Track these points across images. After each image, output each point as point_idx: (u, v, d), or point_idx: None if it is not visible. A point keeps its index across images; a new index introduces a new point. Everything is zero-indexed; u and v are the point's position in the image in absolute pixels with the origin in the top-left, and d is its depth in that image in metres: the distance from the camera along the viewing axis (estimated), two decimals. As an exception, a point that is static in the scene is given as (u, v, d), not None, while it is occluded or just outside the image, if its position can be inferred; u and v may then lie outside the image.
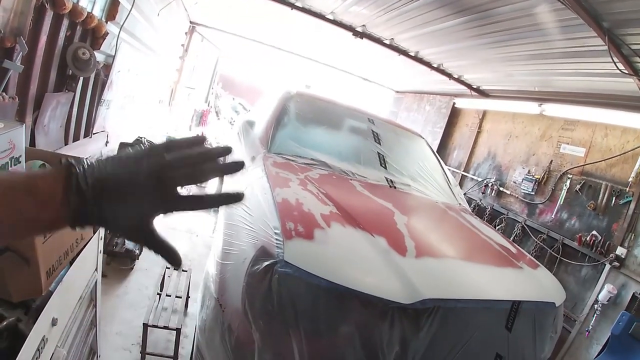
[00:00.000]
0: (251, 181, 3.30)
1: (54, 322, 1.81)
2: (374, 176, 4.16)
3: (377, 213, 3.19)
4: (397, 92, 12.29)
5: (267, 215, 2.55)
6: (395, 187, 4.15)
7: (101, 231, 2.64)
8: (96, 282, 2.68)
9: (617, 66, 4.22)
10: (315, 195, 2.98)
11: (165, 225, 6.82)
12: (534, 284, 3.07)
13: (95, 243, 2.52)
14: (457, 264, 2.80)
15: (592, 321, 5.17)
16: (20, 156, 2.00)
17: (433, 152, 5.53)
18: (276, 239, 2.29)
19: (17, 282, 1.80)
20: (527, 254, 3.78)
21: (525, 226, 6.68)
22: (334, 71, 11.79)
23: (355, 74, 11.57)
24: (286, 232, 2.31)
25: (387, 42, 6.66)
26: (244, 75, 19.89)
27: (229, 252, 2.70)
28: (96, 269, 2.66)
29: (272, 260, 2.18)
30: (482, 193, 7.87)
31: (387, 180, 4.19)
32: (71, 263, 2.15)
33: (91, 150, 4.82)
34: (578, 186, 5.97)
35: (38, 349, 1.64)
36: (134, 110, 6.42)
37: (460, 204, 4.69)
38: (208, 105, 14.34)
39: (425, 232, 3.28)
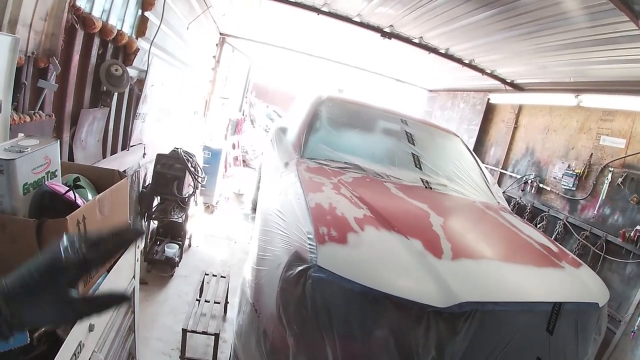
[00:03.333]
0: (285, 187, 3.32)
1: (90, 328, 1.87)
2: (409, 177, 4.14)
3: (412, 215, 3.16)
4: (430, 91, 12.18)
5: (301, 221, 2.56)
6: (431, 188, 4.12)
7: (138, 239, 2.69)
8: (134, 289, 2.73)
9: (652, 50, 4.10)
10: (348, 199, 2.98)
11: (205, 232, 6.96)
12: (576, 284, 2.98)
13: (132, 251, 2.58)
14: (496, 265, 2.74)
15: (638, 321, 4.98)
16: (56, 170, 2.07)
17: (469, 150, 5.46)
18: (309, 244, 2.30)
19: (55, 290, 1.84)
20: (569, 252, 3.68)
21: (567, 223, 6.50)
22: (366, 74, 11.74)
23: (387, 75, 11.50)
24: (319, 236, 2.32)
25: (416, 40, 6.59)
26: (277, 83, 20.07)
27: (263, 258, 2.72)
28: (134, 276, 2.71)
29: (305, 265, 2.20)
30: (522, 190, 7.71)
31: (422, 181, 4.16)
32: (109, 271, 2.19)
33: (129, 162, 4.94)
34: (620, 179, 5.77)
35: (75, 354, 1.69)
36: (170, 122, 6.53)
37: (499, 202, 4.61)
38: (243, 114, 14.47)
39: (462, 233, 3.23)
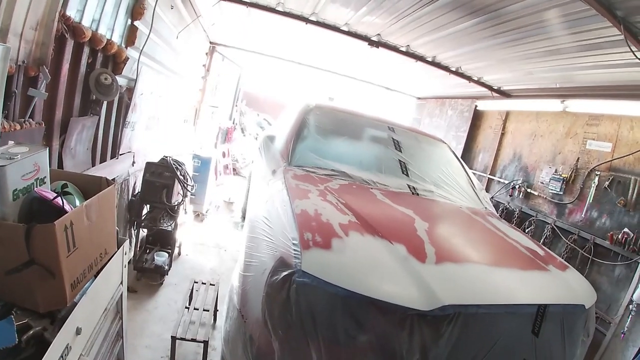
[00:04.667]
0: (272, 194, 3.35)
1: (78, 332, 1.91)
2: (396, 184, 4.18)
3: (397, 221, 3.20)
4: (419, 98, 12.23)
5: (286, 227, 2.59)
6: (417, 194, 4.15)
7: (125, 246, 2.73)
8: (121, 295, 2.76)
9: (635, 55, 4.11)
10: (334, 205, 3.00)
11: (195, 240, 6.96)
12: (562, 286, 3.02)
13: (119, 257, 2.61)
14: (480, 269, 2.78)
15: (628, 322, 5.01)
16: (45, 177, 2.13)
17: (456, 156, 5.51)
18: (294, 250, 2.32)
19: (43, 294, 1.91)
20: (556, 256, 3.72)
21: (555, 227, 6.54)
22: (356, 82, 11.77)
23: (376, 83, 11.54)
24: (304, 242, 2.34)
25: (404, 49, 6.64)
26: (268, 91, 20.05)
27: (250, 264, 2.75)
28: (121, 282, 2.74)
29: (290, 271, 2.22)
30: (510, 196, 7.75)
31: (409, 188, 4.20)
32: (96, 276, 2.22)
33: (118, 170, 4.93)
34: (607, 183, 5.81)
35: (62, 356, 1.72)
36: (160, 131, 6.53)
37: (486, 208, 4.66)
38: (233, 123, 14.46)
39: (447, 237, 3.27)
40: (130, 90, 4.84)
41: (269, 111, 18.97)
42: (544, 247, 3.86)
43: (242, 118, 17.15)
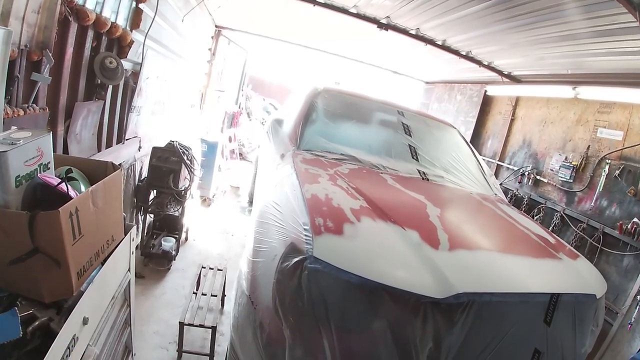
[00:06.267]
0: (281, 178, 3.31)
1: (85, 321, 1.87)
2: (406, 169, 4.13)
3: (408, 206, 3.16)
4: (427, 83, 12.14)
5: (297, 212, 2.55)
6: (427, 179, 4.11)
7: (133, 232, 2.69)
8: (129, 282, 2.73)
9: (649, 42, 4.08)
10: (345, 190, 2.96)
11: (202, 225, 6.95)
12: (573, 275, 2.98)
13: (126, 244, 2.57)
14: (493, 256, 2.74)
15: (635, 313, 4.98)
16: (49, 162, 2.06)
17: (466, 142, 5.46)
18: (305, 235, 2.28)
19: (48, 283, 1.86)
20: (566, 244, 3.68)
21: (564, 215, 6.50)
22: (363, 66, 11.71)
23: (383, 67, 11.46)
24: (315, 227, 2.30)
25: (413, 32, 6.54)
26: (274, 75, 20.00)
27: (259, 250, 2.71)
28: (129, 270, 2.71)
29: (301, 257, 2.18)
30: (519, 182, 7.70)
31: (419, 173, 4.15)
32: (103, 264, 2.18)
33: (124, 155, 4.90)
34: (617, 171, 5.75)
35: (68, 347, 1.69)
36: (166, 116, 6.49)
37: (496, 194, 4.62)
38: (239, 107, 14.41)
39: (459, 224, 3.22)
40: (136, 75, 4.79)
41: (275, 96, 18.94)
42: (554, 235, 3.82)
43: (248, 103, 17.11)
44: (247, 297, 2.79)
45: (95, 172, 2.41)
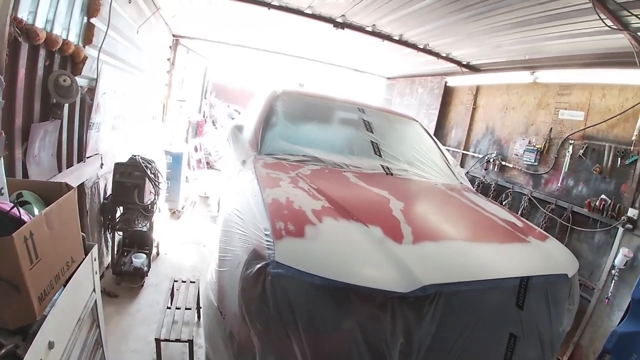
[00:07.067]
0: (242, 185, 3.29)
1: (50, 345, 1.85)
2: (369, 165, 4.15)
3: (371, 202, 3.17)
4: (389, 78, 12.23)
5: (258, 218, 2.53)
6: (391, 174, 4.13)
7: (94, 252, 2.64)
8: (95, 302, 2.68)
9: (604, 23, 4.11)
10: (306, 191, 2.96)
11: (173, 238, 6.88)
12: (543, 257, 3.03)
13: (88, 264, 2.52)
14: (458, 246, 2.75)
15: (611, 287, 5.08)
16: (2, 188, 2.05)
17: (429, 134, 5.51)
18: (267, 241, 2.27)
19: (10, 310, 1.82)
20: (535, 226, 3.75)
21: (532, 198, 6.61)
22: (326, 66, 11.73)
23: (345, 66, 11.49)
24: (276, 232, 2.29)
25: (369, 29, 6.59)
26: (237, 81, 19.89)
27: (224, 259, 2.69)
28: (94, 290, 2.66)
29: (264, 262, 2.17)
30: (485, 170, 7.80)
31: (382, 168, 4.18)
32: (65, 284, 2.14)
33: (87, 173, 4.80)
34: (581, 151, 5.88)
35: (35, 373, 1.65)
36: (127, 130, 6.39)
37: (462, 183, 4.68)
38: (203, 116, 14.28)
39: (423, 216, 3.25)
40: (92, 90, 4.71)
41: (239, 102, 18.84)
42: (522, 218, 3.87)
43: (212, 110, 16.99)
44: (215, 307, 2.77)
45: (51, 193, 2.36)
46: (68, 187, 2.42)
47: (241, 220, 2.66)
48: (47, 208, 2.06)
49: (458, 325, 2.35)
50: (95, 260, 2.67)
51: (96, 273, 2.69)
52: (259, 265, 2.17)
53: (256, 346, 2.19)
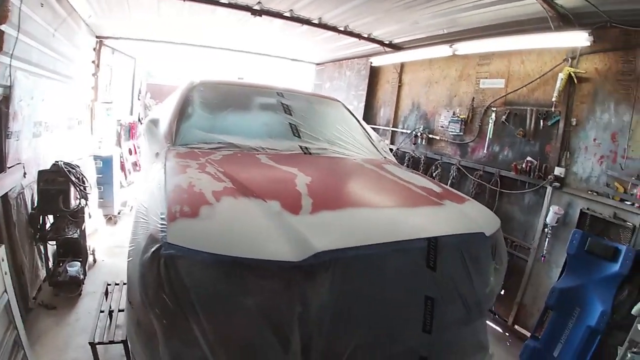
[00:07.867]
0: (151, 177, 3.26)
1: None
2: (287, 146, 4.19)
3: (276, 180, 3.18)
4: (318, 64, 12.30)
5: (158, 204, 2.52)
6: (310, 153, 4.16)
7: (1, 252, 2.60)
8: (8, 303, 2.64)
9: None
10: (212, 175, 2.95)
11: (110, 244, 6.77)
12: (456, 218, 3.08)
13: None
14: (362, 213, 2.78)
15: (546, 245, 5.30)
16: None
17: (351, 113, 5.58)
18: (161, 224, 2.26)
19: None
20: (455, 191, 3.84)
21: (460, 167, 6.80)
22: (263, 58, 11.72)
23: (277, 55, 11.46)
24: (170, 214, 2.29)
25: (287, 14, 6.61)
26: (172, 81, 19.58)
27: (131, 250, 2.67)
28: (5, 290, 2.62)
29: (157, 245, 2.15)
30: (414, 144, 7.95)
31: (301, 148, 4.21)
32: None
33: (9, 184, 4.65)
34: (504, 117, 6.07)
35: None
36: (51, 137, 6.22)
37: (385, 157, 4.73)
38: (138, 118, 13.94)
39: (330, 187, 3.29)
40: (7, 98, 4.57)
41: (175, 101, 18.54)
42: (442, 184, 3.97)
43: (147, 111, 16.66)
44: (126, 299, 2.76)
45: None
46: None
47: (145, 210, 2.64)
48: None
49: (366, 292, 2.38)
50: (3, 260, 2.63)
51: (6, 274, 2.65)
52: (153, 249, 2.16)
53: (157, 331, 2.17)
